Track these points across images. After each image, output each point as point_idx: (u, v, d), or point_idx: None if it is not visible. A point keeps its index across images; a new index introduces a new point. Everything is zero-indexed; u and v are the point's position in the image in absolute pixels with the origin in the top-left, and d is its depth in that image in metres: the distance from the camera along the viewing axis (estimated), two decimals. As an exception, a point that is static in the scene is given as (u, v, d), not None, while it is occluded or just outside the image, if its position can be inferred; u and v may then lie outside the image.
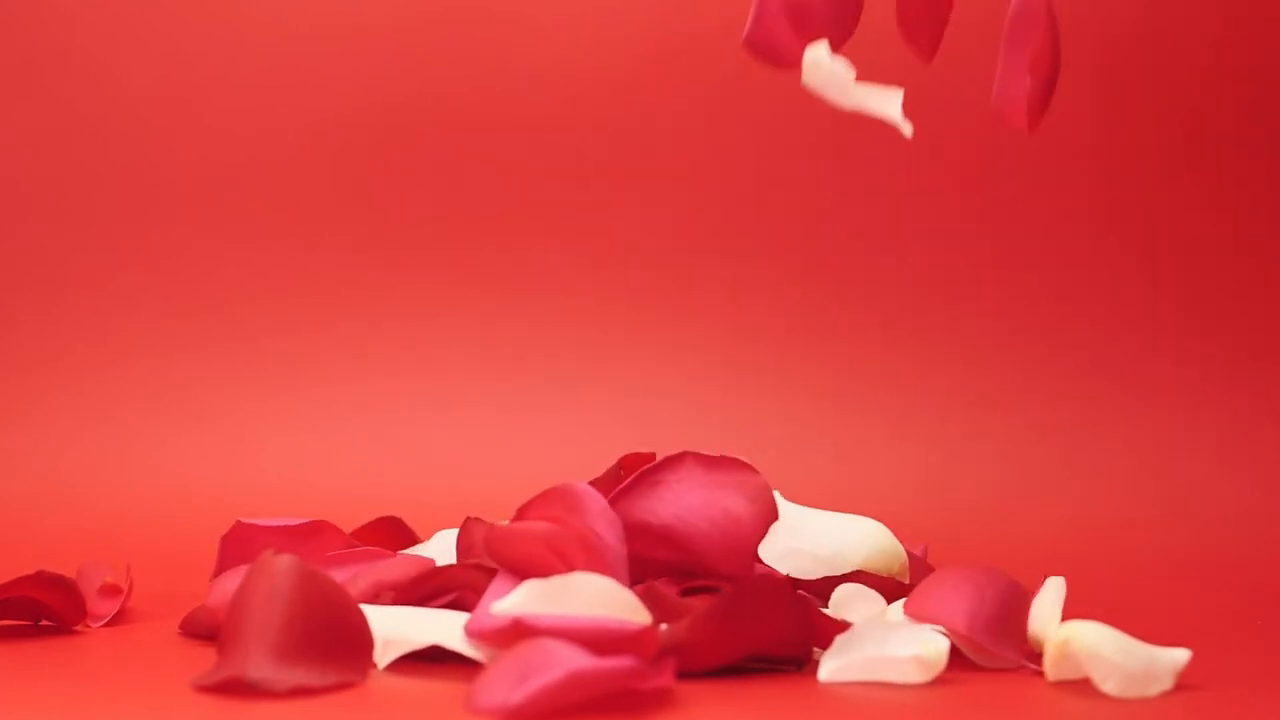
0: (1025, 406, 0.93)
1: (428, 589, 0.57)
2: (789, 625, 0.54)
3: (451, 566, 0.57)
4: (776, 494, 0.61)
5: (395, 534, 0.68)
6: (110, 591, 0.64)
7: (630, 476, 0.59)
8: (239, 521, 0.63)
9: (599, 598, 0.52)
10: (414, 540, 0.68)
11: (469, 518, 0.60)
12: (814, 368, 0.94)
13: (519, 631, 0.51)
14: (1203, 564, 0.79)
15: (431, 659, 0.55)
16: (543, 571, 0.54)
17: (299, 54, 0.97)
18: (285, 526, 0.63)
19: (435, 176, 0.97)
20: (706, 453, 0.59)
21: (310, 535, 0.63)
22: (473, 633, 0.53)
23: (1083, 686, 0.54)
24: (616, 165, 0.96)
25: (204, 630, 0.60)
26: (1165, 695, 0.53)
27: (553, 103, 0.97)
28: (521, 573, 0.55)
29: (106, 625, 0.62)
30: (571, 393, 0.94)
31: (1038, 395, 0.93)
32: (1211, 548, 0.83)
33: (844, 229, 0.95)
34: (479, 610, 0.53)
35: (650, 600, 0.54)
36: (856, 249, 0.95)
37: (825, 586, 0.61)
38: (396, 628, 0.54)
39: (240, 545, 0.63)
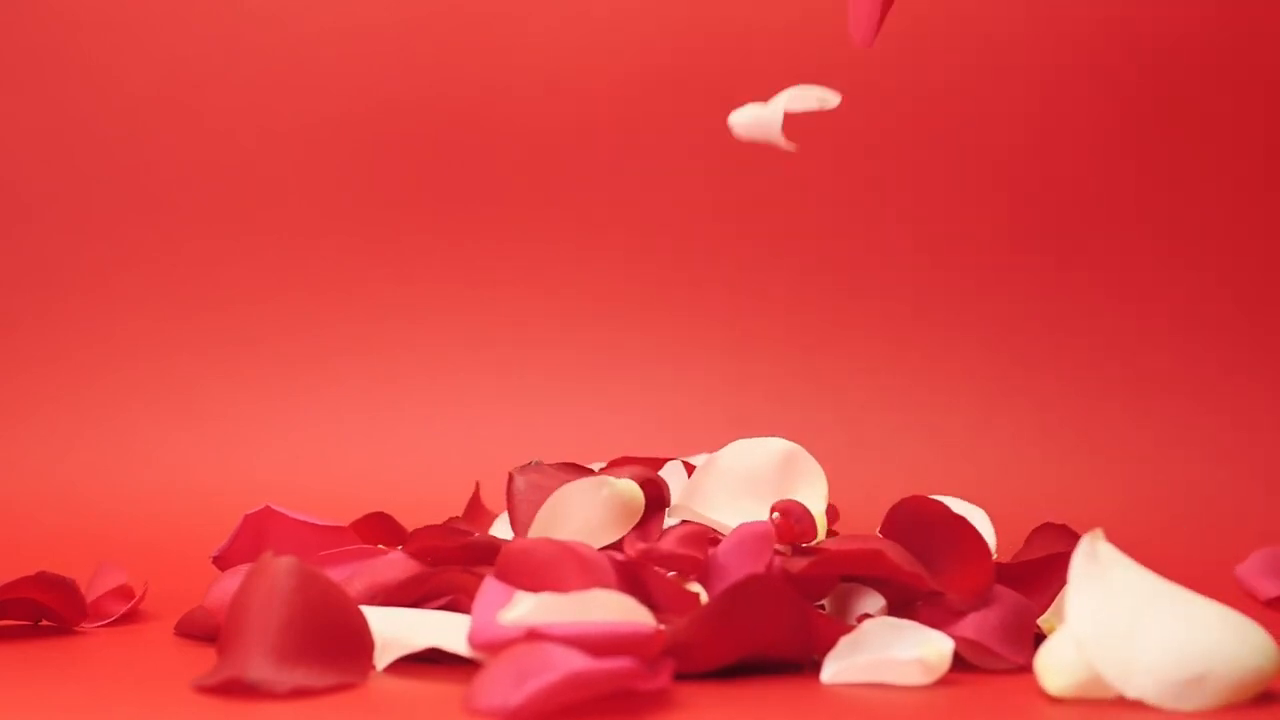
0: (1024, 407, 0.93)
1: (421, 592, 0.57)
2: (789, 626, 0.54)
3: (445, 570, 0.57)
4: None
5: (385, 530, 0.68)
6: (124, 594, 0.64)
7: None
8: (268, 506, 0.63)
9: (609, 610, 0.51)
10: (404, 535, 0.68)
11: (451, 519, 0.59)
12: (820, 367, 0.94)
13: (528, 640, 0.51)
14: (1202, 563, 0.79)
15: (430, 660, 0.55)
16: (554, 587, 0.54)
17: (298, 54, 0.97)
18: (309, 523, 0.63)
19: (436, 176, 0.97)
20: None
21: (329, 540, 0.63)
22: (478, 644, 0.52)
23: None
24: (620, 165, 0.96)
25: (199, 631, 0.60)
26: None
27: (555, 102, 0.97)
28: (532, 588, 0.54)
29: (106, 625, 0.62)
30: (573, 392, 0.93)
31: (1036, 394, 0.93)
32: (1211, 546, 0.83)
33: (856, 227, 0.95)
34: (479, 619, 0.53)
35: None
36: (868, 248, 0.95)
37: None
38: (395, 629, 0.54)
39: (260, 528, 0.63)
